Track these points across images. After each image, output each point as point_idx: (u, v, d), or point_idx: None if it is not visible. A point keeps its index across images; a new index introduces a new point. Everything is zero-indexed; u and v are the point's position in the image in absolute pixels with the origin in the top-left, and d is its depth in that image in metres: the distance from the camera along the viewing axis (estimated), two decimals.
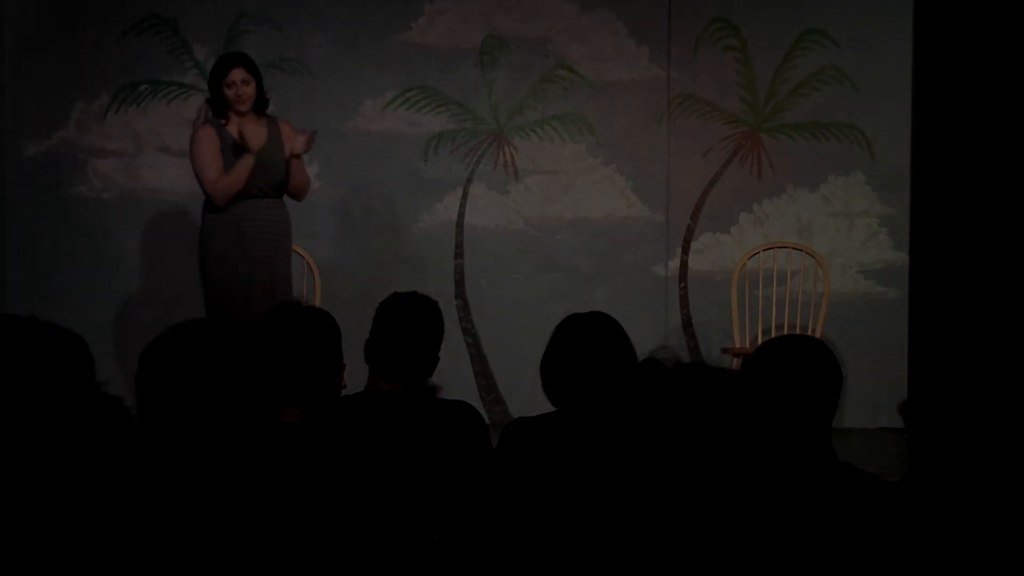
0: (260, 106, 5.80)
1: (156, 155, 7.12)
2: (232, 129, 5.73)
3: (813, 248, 6.94)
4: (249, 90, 5.70)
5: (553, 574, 2.39)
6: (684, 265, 7.19)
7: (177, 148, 7.07)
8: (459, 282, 7.17)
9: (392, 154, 7.06)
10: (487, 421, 3.65)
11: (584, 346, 3.41)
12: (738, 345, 6.70)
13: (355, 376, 3.88)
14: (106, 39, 7.06)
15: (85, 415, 2.22)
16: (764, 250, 6.89)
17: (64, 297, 6.94)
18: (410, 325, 3.54)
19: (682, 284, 7.19)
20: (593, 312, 3.55)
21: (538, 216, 7.18)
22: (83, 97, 7.09)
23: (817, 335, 6.51)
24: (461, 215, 7.16)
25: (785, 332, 6.77)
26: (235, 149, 5.69)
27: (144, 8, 7.07)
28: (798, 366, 2.84)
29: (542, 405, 3.48)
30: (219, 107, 5.77)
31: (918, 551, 2.40)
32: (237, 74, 5.68)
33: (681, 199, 7.17)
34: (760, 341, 6.81)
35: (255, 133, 5.75)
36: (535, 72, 7.17)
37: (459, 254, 7.17)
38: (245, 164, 5.67)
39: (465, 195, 7.17)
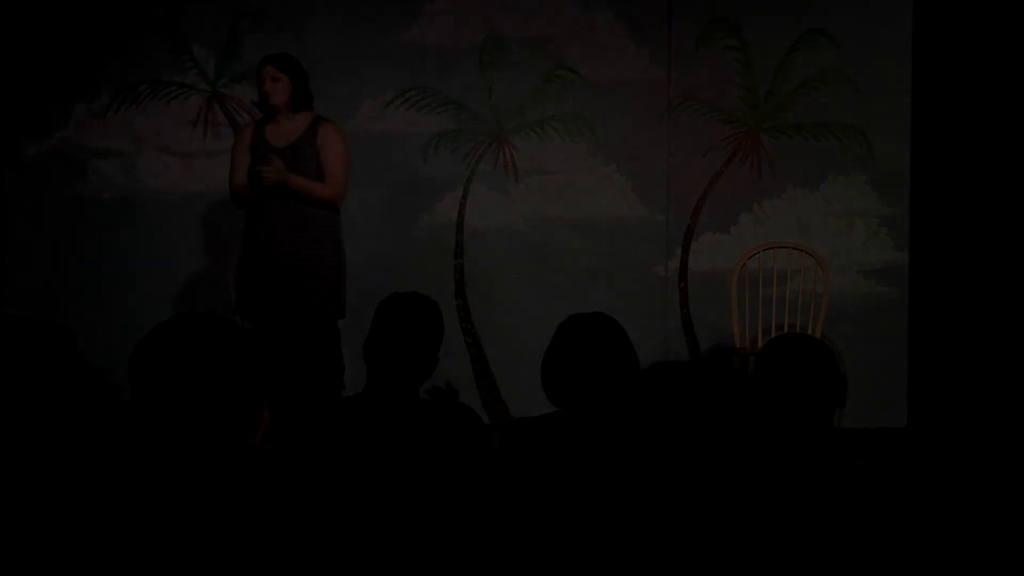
0: (300, 104, 5.86)
1: (156, 155, 7.12)
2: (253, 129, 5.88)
3: (813, 248, 6.93)
4: (278, 85, 5.81)
5: (553, 574, 2.39)
6: (684, 265, 7.19)
7: (177, 148, 7.07)
8: (459, 282, 7.16)
9: (392, 154, 7.05)
10: (487, 421, 3.64)
11: (585, 347, 3.41)
12: (738, 345, 6.69)
13: (355, 377, 3.87)
14: (106, 39, 7.06)
15: (71, 404, 2.21)
16: (764, 250, 6.88)
17: (64, 296, 6.94)
18: (409, 326, 3.53)
19: (682, 284, 7.19)
20: (594, 312, 3.55)
21: (538, 216, 7.18)
22: (83, 97, 7.09)
23: (817, 335, 6.51)
24: (461, 215, 7.16)
25: (785, 332, 6.75)
26: (260, 148, 5.80)
27: (144, 8, 7.07)
28: (799, 365, 2.84)
29: (542, 405, 3.48)
30: (265, 107, 5.88)
31: (917, 550, 2.40)
32: (266, 71, 5.83)
33: (681, 199, 7.17)
34: (760, 341, 6.82)
35: (288, 130, 5.83)
36: (535, 72, 7.17)
37: (459, 254, 7.17)
38: (242, 166, 5.81)
39: (465, 195, 7.16)
